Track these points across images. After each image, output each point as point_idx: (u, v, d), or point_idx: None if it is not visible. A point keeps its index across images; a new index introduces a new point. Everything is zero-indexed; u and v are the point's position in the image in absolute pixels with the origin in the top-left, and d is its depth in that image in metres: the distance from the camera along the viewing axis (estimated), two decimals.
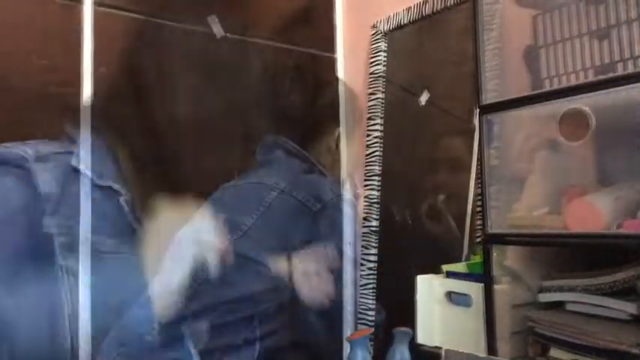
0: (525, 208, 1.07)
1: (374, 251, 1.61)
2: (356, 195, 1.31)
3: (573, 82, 0.98)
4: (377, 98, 1.67)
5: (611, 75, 0.92)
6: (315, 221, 1.00)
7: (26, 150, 0.99)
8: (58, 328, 0.90)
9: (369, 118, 1.68)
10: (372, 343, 1.51)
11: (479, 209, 1.19)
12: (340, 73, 1.85)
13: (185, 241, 1.05)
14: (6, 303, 0.82)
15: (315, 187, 1.03)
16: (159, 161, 1.45)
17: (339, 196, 1.01)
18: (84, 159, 1.03)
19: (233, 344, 0.96)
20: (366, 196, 1.66)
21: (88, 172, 1.03)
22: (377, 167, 1.66)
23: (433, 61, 1.62)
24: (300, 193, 1.02)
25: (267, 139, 1.15)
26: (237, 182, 1.09)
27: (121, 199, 1.18)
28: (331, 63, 1.84)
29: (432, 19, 1.55)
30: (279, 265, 0.98)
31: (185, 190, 1.23)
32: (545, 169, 1.07)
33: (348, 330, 1.67)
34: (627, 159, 0.96)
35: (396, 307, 1.55)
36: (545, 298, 1.10)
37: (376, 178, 1.65)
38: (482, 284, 1.06)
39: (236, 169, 1.13)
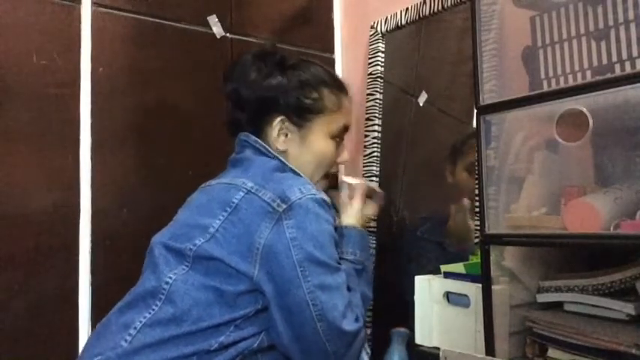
0: (524, 208, 1.07)
1: (372, 251, 1.61)
2: (379, 197, 1.31)
3: (571, 82, 0.98)
4: (375, 99, 1.67)
5: (609, 76, 0.92)
6: (280, 222, 0.97)
7: None
8: None
9: (368, 119, 1.69)
10: (370, 343, 1.51)
11: (477, 209, 1.19)
12: (339, 73, 1.85)
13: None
14: None
15: (282, 187, 1.00)
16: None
17: (308, 197, 0.99)
18: None
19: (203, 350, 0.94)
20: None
21: None
22: (375, 168, 1.66)
23: (431, 62, 1.62)
24: (267, 193, 1.00)
25: (240, 137, 1.13)
26: (211, 182, 1.09)
27: None
28: (330, 63, 1.84)
29: (431, 19, 1.55)
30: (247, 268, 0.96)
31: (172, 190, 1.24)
32: (543, 169, 1.07)
33: None
34: (625, 160, 0.97)
35: (395, 308, 1.55)
36: (543, 298, 1.10)
37: (374, 178, 1.65)
38: (481, 285, 1.06)
39: (219, 170, 1.13)
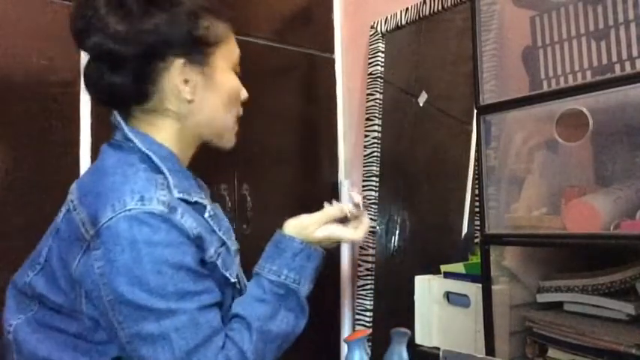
0: (524, 208, 1.07)
1: (372, 252, 1.62)
2: (355, 205, 1.02)
3: (571, 82, 0.98)
4: (375, 99, 1.67)
5: (609, 76, 0.92)
6: (88, 254, 0.77)
7: None
8: None
9: (368, 119, 1.69)
10: (370, 343, 1.51)
11: (477, 209, 1.19)
12: (339, 73, 1.85)
13: None
14: None
15: (98, 204, 0.77)
16: None
17: (120, 216, 0.75)
18: None
19: None
20: (364, 197, 1.66)
21: None
22: (375, 168, 1.66)
23: (431, 62, 1.62)
24: (82, 211, 0.79)
25: (112, 120, 0.91)
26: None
27: None
28: (330, 63, 1.84)
29: (431, 19, 1.55)
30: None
31: None
32: (543, 169, 1.07)
33: (345, 331, 1.67)
34: (625, 160, 0.97)
35: (394, 308, 1.55)
36: (543, 298, 1.10)
37: (374, 178, 1.65)
38: (481, 285, 1.06)
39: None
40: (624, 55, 0.91)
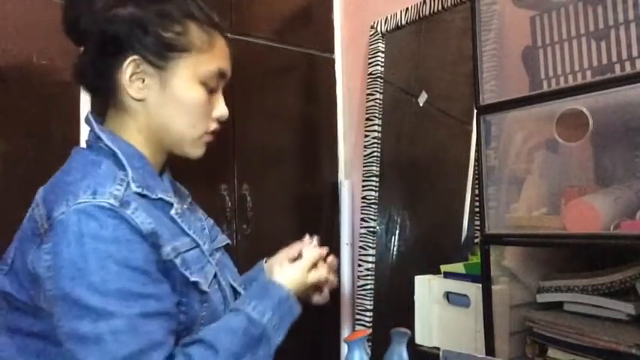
0: (524, 208, 1.07)
1: (372, 252, 1.62)
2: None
3: (571, 82, 0.98)
4: (375, 99, 1.67)
5: (609, 76, 0.92)
6: (40, 247, 0.76)
7: None
8: None
9: (368, 119, 1.69)
10: (370, 343, 1.51)
11: (477, 209, 1.19)
12: (339, 73, 1.85)
13: None
14: None
15: (58, 198, 0.77)
16: None
17: (73, 209, 0.75)
18: None
19: None
20: (364, 197, 1.67)
21: None
22: (375, 168, 1.66)
23: (431, 62, 1.62)
24: (43, 207, 0.79)
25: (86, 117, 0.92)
26: None
27: None
28: (330, 63, 1.84)
29: (431, 19, 1.55)
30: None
31: None
32: (543, 169, 1.07)
33: (345, 331, 1.67)
34: (625, 160, 0.97)
35: (394, 308, 1.55)
36: (543, 298, 1.10)
37: (374, 178, 1.65)
38: (481, 285, 1.06)
39: None
40: (624, 55, 0.91)
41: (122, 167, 0.83)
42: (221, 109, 0.93)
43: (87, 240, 0.73)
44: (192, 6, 0.90)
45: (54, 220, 0.75)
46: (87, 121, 0.89)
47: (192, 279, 0.83)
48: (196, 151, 0.92)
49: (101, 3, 0.84)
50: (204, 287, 0.85)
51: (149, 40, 0.85)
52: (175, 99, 0.87)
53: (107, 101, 0.90)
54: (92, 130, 0.88)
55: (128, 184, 0.81)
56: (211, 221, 1.05)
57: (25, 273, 0.79)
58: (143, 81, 0.87)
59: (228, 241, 1.06)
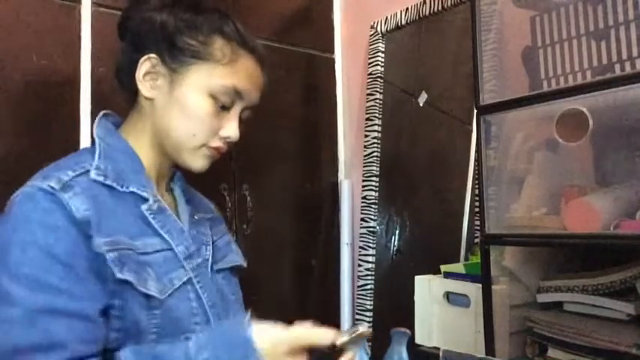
0: (524, 208, 1.07)
1: (372, 252, 1.62)
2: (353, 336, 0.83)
3: (571, 82, 0.98)
4: (375, 99, 1.67)
5: (609, 76, 0.92)
6: None
7: None
8: None
9: (368, 119, 1.69)
10: (370, 344, 1.51)
11: (477, 210, 1.19)
12: (339, 73, 1.85)
13: None
14: None
15: (30, 181, 0.79)
16: None
17: (24, 190, 0.76)
18: None
19: None
20: (364, 197, 1.67)
21: None
22: (375, 168, 1.66)
23: (431, 62, 1.62)
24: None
25: None
26: None
27: None
28: (330, 63, 1.84)
29: (431, 19, 1.55)
30: None
31: None
32: (543, 169, 1.07)
33: None
34: (625, 160, 0.97)
35: (394, 308, 1.55)
36: (543, 298, 1.10)
37: (374, 178, 1.65)
38: (481, 285, 1.06)
39: None
40: (624, 55, 0.91)
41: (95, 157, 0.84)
42: (229, 130, 0.91)
43: (20, 221, 0.73)
44: (227, 24, 0.91)
45: (11, 200, 0.76)
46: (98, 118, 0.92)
47: (121, 276, 0.75)
48: (195, 162, 0.90)
49: (147, 6, 0.89)
50: (151, 291, 0.78)
51: (169, 42, 0.87)
52: (179, 103, 0.87)
53: (131, 100, 0.93)
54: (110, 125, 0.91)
55: (88, 171, 0.80)
56: (228, 238, 1.03)
57: None
58: (156, 81, 0.88)
59: (237, 263, 1.01)
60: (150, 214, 0.84)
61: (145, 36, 0.88)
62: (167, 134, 0.89)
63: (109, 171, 0.82)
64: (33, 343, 0.69)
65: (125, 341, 0.77)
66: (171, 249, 0.84)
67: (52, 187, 0.75)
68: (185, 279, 0.84)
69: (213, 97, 0.88)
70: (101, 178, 0.81)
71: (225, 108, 0.90)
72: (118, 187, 0.82)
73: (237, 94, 0.90)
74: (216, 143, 0.90)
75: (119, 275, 0.75)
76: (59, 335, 0.70)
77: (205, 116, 0.88)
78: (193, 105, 0.87)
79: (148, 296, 0.78)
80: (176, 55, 0.87)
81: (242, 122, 0.94)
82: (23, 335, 0.69)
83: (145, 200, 0.85)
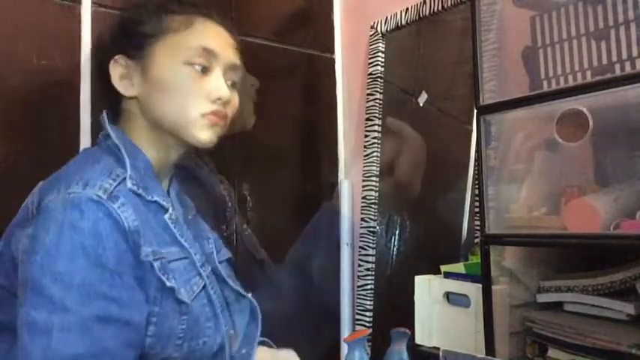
0: (524, 208, 1.07)
1: (372, 252, 1.62)
2: None
3: (571, 82, 0.98)
4: (375, 99, 1.67)
5: (609, 76, 0.92)
6: (24, 230, 0.77)
7: None
8: None
9: (368, 119, 1.68)
10: (370, 344, 1.51)
11: (477, 210, 1.19)
12: (339, 73, 1.85)
13: None
14: None
15: (53, 186, 0.78)
16: None
17: (61, 197, 0.75)
18: None
19: None
20: (364, 197, 1.67)
21: None
22: (375, 168, 1.66)
23: (431, 62, 1.62)
24: (37, 196, 0.80)
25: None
26: None
27: None
28: (330, 63, 1.84)
29: (431, 19, 1.55)
30: None
31: None
32: (543, 169, 1.07)
33: (345, 331, 1.67)
34: (625, 160, 0.97)
35: (394, 308, 1.55)
36: (543, 298, 1.10)
37: (374, 178, 1.65)
38: (481, 285, 1.06)
39: None
40: (624, 55, 0.91)
41: (123, 165, 0.83)
42: (216, 89, 0.88)
43: (65, 229, 0.73)
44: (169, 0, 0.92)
45: (41, 207, 0.76)
46: (101, 119, 0.90)
47: (169, 284, 0.80)
48: (200, 135, 0.88)
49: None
50: (184, 298, 0.82)
51: (126, 38, 0.89)
52: (157, 84, 0.87)
53: (115, 111, 0.92)
54: (104, 130, 0.89)
55: (124, 180, 0.81)
56: (216, 234, 1.05)
57: (9, 256, 0.79)
58: (131, 78, 0.88)
59: (230, 255, 1.05)
60: (171, 223, 0.85)
61: (107, 44, 0.90)
62: (161, 121, 0.88)
63: (138, 180, 0.83)
64: (88, 350, 0.71)
65: (155, 346, 0.79)
66: (188, 257, 0.86)
67: (99, 197, 0.75)
68: (202, 285, 0.87)
69: (187, 63, 0.87)
70: (135, 188, 0.82)
71: (205, 71, 0.88)
72: (146, 197, 0.83)
73: (208, 52, 0.88)
74: (210, 107, 0.88)
75: (169, 284, 0.79)
76: (111, 343, 0.73)
77: (188, 84, 0.87)
78: (172, 78, 0.87)
79: (179, 302, 0.81)
80: (137, 44, 0.87)
81: (235, 90, 0.93)
82: (79, 343, 0.71)
83: (166, 210, 0.86)
